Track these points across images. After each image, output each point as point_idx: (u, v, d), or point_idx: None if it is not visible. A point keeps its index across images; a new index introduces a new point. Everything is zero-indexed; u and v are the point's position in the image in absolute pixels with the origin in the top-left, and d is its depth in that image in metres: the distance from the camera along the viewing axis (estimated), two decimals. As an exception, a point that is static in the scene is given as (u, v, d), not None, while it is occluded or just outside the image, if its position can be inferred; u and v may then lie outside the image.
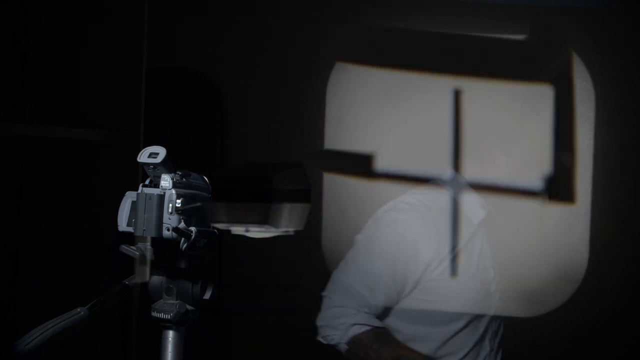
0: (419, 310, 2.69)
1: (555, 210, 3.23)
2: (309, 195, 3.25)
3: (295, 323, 3.45)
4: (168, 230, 1.54)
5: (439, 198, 2.72)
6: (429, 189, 2.75)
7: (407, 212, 2.69)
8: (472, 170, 3.22)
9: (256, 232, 3.14)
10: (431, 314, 2.68)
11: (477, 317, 2.71)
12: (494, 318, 2.75)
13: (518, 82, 3.09)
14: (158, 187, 1.56)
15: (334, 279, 2.68)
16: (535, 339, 3.35)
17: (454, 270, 2.66)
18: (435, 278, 2.64)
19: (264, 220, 3.09)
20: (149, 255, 1.58)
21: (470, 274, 2.70)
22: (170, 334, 1.60)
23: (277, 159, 3.46)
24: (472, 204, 2.71)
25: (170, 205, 1.54)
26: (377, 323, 2.62)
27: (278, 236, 3.14)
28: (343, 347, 2.63)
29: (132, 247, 1.58)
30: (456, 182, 2.73)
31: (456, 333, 2.68)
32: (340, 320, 2.63)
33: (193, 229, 1.55)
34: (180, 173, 1.57)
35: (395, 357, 2.59)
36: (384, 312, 2.68)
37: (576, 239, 3.28)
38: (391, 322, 2.67)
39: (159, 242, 1.56)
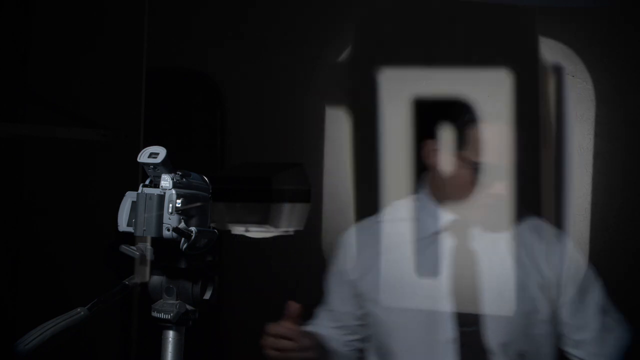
0: (371, 339, 2.52)
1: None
2: (309, 195, 3.25)
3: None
4: (168, 230, 1.54)
5: (401, 210, 2.59)
6: (405, 200, 2.61)
7: (350, 230, 2.63)
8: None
9: (256, 232, 3.13)
10: (375, 343, 2.50)
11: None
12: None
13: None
14: (158, 187, 1.56)
15: None
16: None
17: (380, 288, 2.48)
18: (363, 297, 2.49)
19: (264, 220, 3.09)
20: (149, 255, 1.58)
21: (407, 293, 2.45)
22: (170, 334, 1.60)
23: (277, 159, 3.46)
24: (432, 215, 2.49)
25: (171, 205, 1.54)
26: (313, 329, 2.52)
27: (278, 236, 3.14)
28: None
29: (132, 247, 1.58)
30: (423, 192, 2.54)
31: None
32: None
33: (193, 229, 1.56)
34: (180, 173, 1.57)
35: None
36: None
37: (576, 239, 3.27)
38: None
39: (159, 242, 1.56)
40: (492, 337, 2.38)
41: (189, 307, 1.60)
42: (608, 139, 3.20)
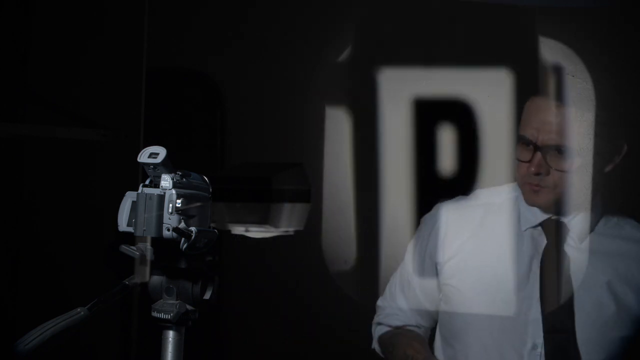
0: (442, 325, 2.44)
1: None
2: (309, 195, 3.25)
3: (296, 323, 3.45)
4: (168, 230, 1.54)
5: (499, 197, 2.45)
6: (502, 187, 2.48)
7: (436, 210, 2.48)
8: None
9: (256, 232, 3.13)
10: (448, 330, 2.42)
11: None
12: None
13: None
14: (158, 187, 1.56)
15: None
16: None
17: (465, 277, 2.37)
18: (445, 282, 2.39)
19: (264, 220, 3.09)
20: (149, 255, 1.58)
21: (494, 287, 2.33)
22: (170, 334, 1.60)
23: (277, 159, 3.46)
24: (527, 208, 2.36)
25: (171, 205, 1.55)
26: (401, 322, 2.48)
27: (278, 236, 3.14)
28: (377, 348, 2.55)
29: (132, 247, 1.58)
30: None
31: None
32: (373, 321, 2.57)
33: (193, 229, 1.56)
34: (180, 173, 1.57)
35: (402, 356, 2.42)
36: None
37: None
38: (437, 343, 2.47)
39: (159, 242, 1.56)
40: (584, 351, 2.28)
41: (189, 307, 1.60)
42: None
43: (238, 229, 3.11)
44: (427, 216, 2.52)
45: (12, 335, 2.63)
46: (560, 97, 2.39)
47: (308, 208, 3.23)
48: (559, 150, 2.33)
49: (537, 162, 2.31)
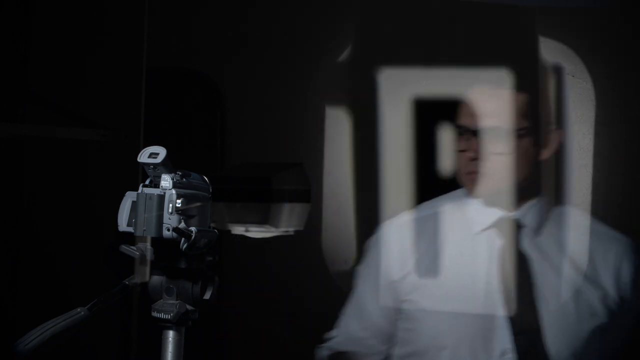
0: (404, 344, 2.37)
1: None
2: (309, 195, 3.25)
3: (295, 323, 3.45)
4: (168, 230, 1.55)
5: (447, 205, 2.41)
6: (445, 196, 2.45)
7: (383, 230, 2.47)
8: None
9: (256, 232, 3.13)
10: (412, 348, 2.35)
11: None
12: None
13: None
14: (158, 187, 1.56)
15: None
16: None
17: (425, 290, 2.31)
18: (405, 299, 2.34)
19: (264, 220, 3.09)
20: (149, 255, 1.58)
21: (456, 296, 2.28)
22: (170, 334, 1.60)
23: (277, 159, 3.46)
24: (477, 211, 2.32)
25: (171, 205, 1.55)
26: (350, 349, 2.43)
27: (278, 236, 3.14)
28: None
29: (132, 247, 1.58)
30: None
31: None
32: (318, 347, 2.53)
33: (193, 229, 1.56)
34: (180, 173, 1.58)
35: None
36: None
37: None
38: None
39: (159, 242, 1.56)
40: (552, 350, 2.25)
41: (189, 307, 1.60)
42: (608, 139, 3.20)
43: (238, 229, 3.11)
44: (374, 238, 2.48)
45: (12, 335, 2.63)
46: (495, 82, 2.36)
47: (308, 208, 3.23)
48: (495, 132, 2.28)
49: (474, 147, 2.28)
